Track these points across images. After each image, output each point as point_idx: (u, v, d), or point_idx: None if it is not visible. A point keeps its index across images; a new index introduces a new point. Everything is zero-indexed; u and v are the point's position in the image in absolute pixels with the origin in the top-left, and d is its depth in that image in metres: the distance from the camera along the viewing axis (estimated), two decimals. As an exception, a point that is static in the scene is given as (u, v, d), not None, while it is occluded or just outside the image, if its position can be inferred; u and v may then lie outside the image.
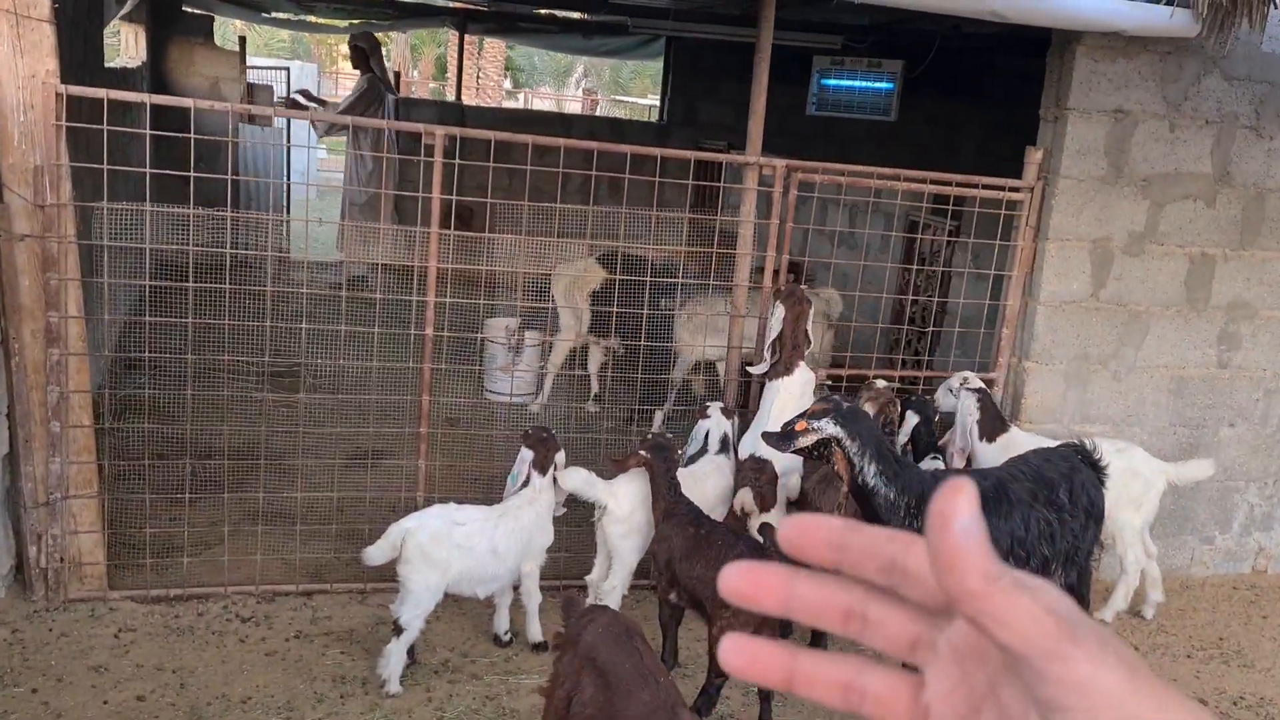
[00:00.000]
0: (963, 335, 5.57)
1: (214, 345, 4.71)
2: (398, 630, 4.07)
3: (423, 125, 4.51)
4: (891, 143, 10.33)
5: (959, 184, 5.15)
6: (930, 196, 5.55)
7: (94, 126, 4.02)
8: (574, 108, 29.40)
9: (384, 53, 10.00)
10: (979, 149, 12.21)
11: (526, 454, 4.32)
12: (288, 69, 14.43)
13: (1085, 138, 5.18)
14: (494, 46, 25.82)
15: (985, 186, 5.20)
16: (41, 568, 4.34)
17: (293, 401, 5.22)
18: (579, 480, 4.31)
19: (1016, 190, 5.26)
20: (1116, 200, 5.29)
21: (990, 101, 11.48)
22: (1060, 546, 3.80)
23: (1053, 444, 4.43)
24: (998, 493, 3.74)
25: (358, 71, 9.97)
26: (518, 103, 29.86)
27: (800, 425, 3.66)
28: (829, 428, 3.67)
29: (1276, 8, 4.68)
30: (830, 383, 5.19)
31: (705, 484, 4.67)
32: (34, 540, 4.30)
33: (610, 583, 4.41)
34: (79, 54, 5.40)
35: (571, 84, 36.08)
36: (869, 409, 5.00)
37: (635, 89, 35.30)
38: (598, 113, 26.82)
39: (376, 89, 9.63)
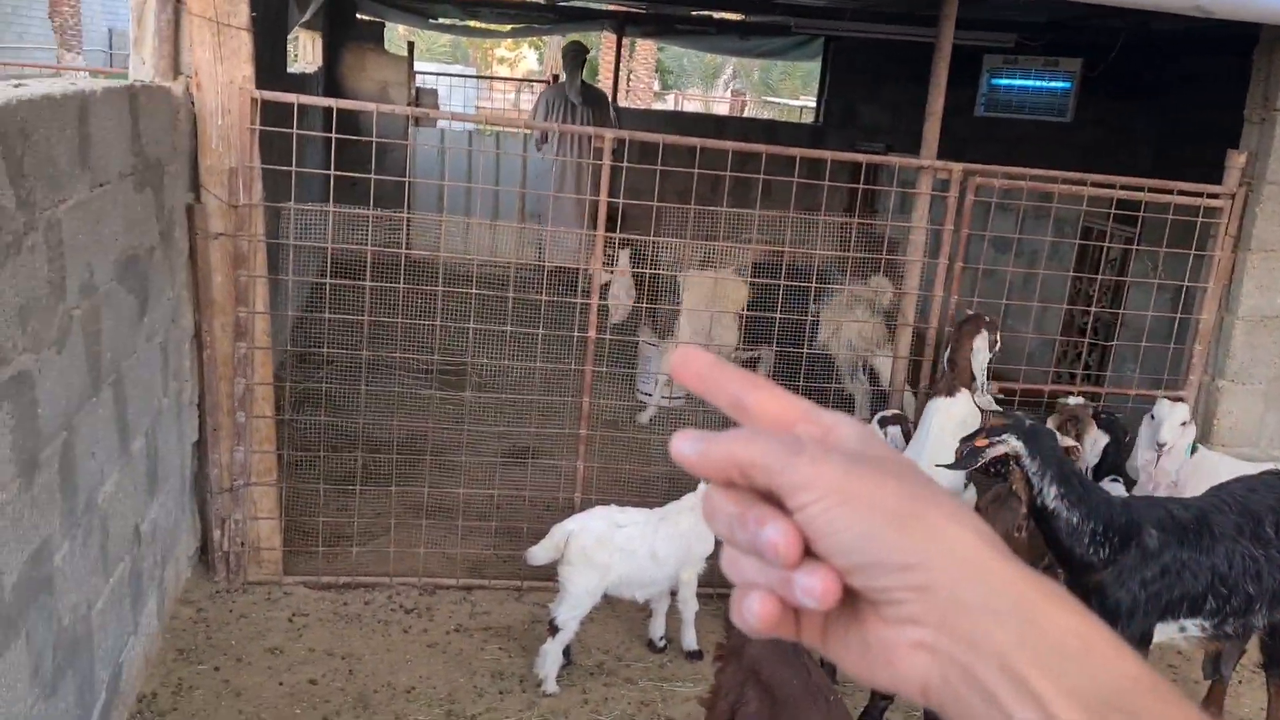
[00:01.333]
0: (1144, 350, 5.24)
1: (386, 342, 4.84)
2: (553, 630, 4.08)
3: (593, 129, 4.51)
4: (1058, 145, 9.86)
5: (1151, 189, 4.84)
6: (1114, 203, 5.25)
7: (284, 130, 4.18)
8: (722, 109, 29.33)
9: (582, 62, 10.19)
10: (1154, 153, 11.58)
11: None
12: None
13: (1295, 140, 4.80)
14: (645, 48, 25.98)
15: (1181, 193, 4.88)
16: (224, 551, 4.54)
17: (458, 399, 5.32)
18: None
19: (1215, 197, 4.91)
20: (1328, 208, 4.88)
21: (1165, 103, 10.86)
22: (1267, 585, 3.50)
23: (1251, 469, 4.10)
24: (1199, 524, 3.48)
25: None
26: (666, 104, 29.97)
27: (980, 441, 3.48)
28: (1011, 442, 3.48)
29: None
30: (1001, 396, 4.95)
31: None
32: (218, 524, 4.50)
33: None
34: (266, 60, 5.64)
35: (720, 85, 36.04)
36: (1051, 423, 4.76)
37: (784, 90, 34.97)
38: (746, 114, 26.68)
39: (558, 96, 9.83)
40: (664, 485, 5.27)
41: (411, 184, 7.44)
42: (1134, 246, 5.15)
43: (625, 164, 4.45)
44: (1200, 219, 4.94)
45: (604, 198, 4.58)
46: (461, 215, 7.58)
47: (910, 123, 12.80)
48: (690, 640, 4.41)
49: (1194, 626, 3.84)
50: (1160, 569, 3.63)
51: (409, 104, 10.31)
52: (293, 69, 8.79)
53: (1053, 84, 8.37)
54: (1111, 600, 3.62)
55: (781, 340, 4.99)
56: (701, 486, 3.76)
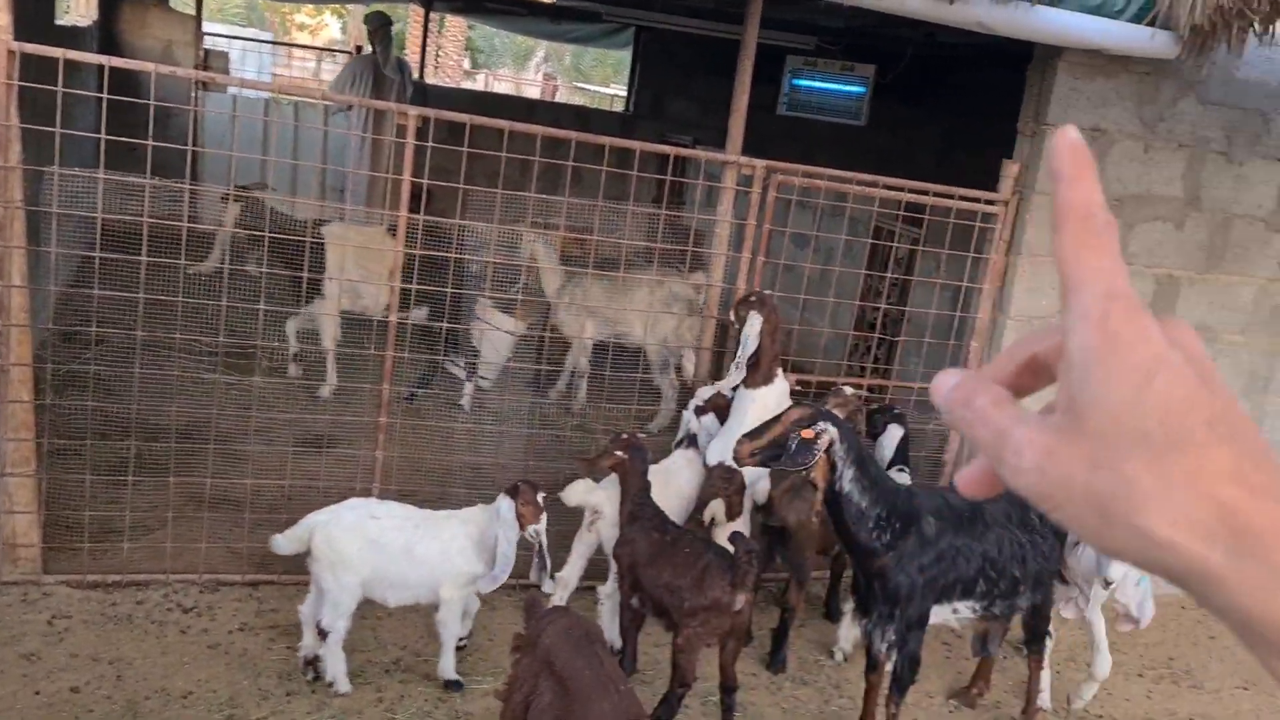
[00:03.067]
0: (928, 346, 5.54)
1: (166, 322, 4.51)
2: (322, 635, 3.89)
3: (395, 105, 4.35)
4: (855, 147, 10.31)
5: (936, 194, 5.11)
6: (903, 205, 5.51)
7: (48, 88, 3.81)
8: (533, 92, 29.09)
9: (390, 33, 9.77)
10: (937, 158, 12.29)
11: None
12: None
13: (1062, 154, 5.17)
14: (455, 25, 25.45)
15: (962, 198, 5.17)
16: (-28, 549, 4.12)
17: (246, 384, 5.03)
18: (580, 492, 4.23)
19: (991, 203, 5.24)
20: (1089, 218, 5.29)
21: (950, 112, 11.54)
22: (1031, 569, 3.77)
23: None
24: (973, 512, 3.71)
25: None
26: (476, 84, 29.47)
27: (807, 433, 3.56)
28: (830, 430, 3.58)
29: (1255, 33, 4.71)
30: (799, 388, 5.12)
31: (677, 479, 4.61)
32: (-35, 520, 4.08)
33: (607, 588, 4.35)
34: (29, 9, 5.14)
35: (531, 68, 35.71)
36: (838, 414, 4.96)
37: (596, 77, 35.03)
38: (557, 98, 26.60)
39: (366, 67, 9.43)
40: (468, 475, 5.18)
41: (198, 153, 6.98)
42: (919, 247, 5.43)
43: (430, 144, 4.31)
44: (978, 224, 5.25)
45: (407, 177, 4.43)
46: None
47: (718, 118, 13.02)
48: (446, 668, 4.06)
49: (965, 608, 4.10)
50: (936, 555, 3.85)
51: (196, 66, 9.67)
52: (63, 21, 8.07)
53: (849, 88, 8.72)
54: (892, 584, 3.81)
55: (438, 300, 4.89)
56: (499, 501, 3.57)
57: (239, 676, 4.01)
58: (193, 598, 4.49)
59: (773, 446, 3.54)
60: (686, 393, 5.04)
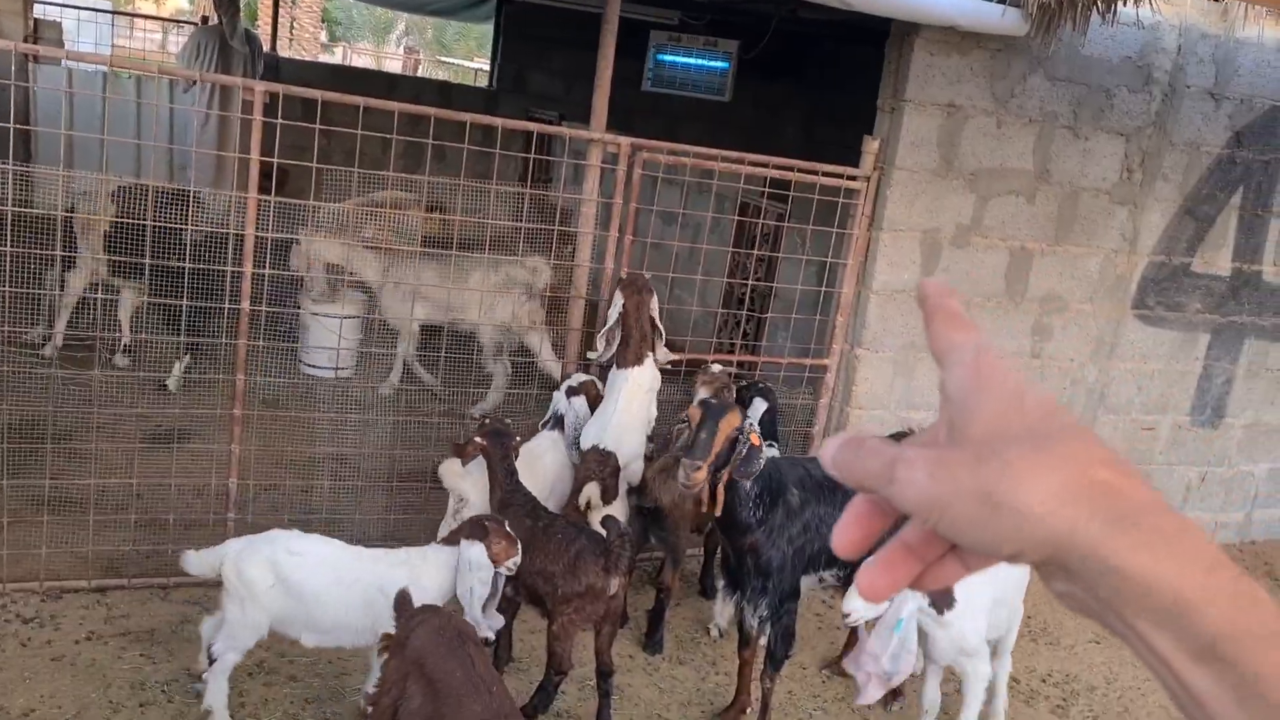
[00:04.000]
0: (794, 321, 5.60)
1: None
2: (210, 659, 3.67)
3: (240, 80, 4.12)
4: (719, 122, 10.37)
5: (800, 169, 5.15)
6: (768, 181, 5.54)
7: None
8: (394, 66, 28.32)
9: (238, 3, 9.27)
10: (802, 133, 12.47)
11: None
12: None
13: (920, 130, 5.28)
14: (311, -4, 24.51)
15: (825, 174, 5.23)
16: None
17: (84, 378, 4.72)
18: (451, 472, 4.10)
19: (853, 179, 5.31)
20: (946, 193, 5.43)
21: (813, 87, 11.72)
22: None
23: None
24: (834, 481, 3.75)
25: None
26: (335, 58, 28.51)
27: (755, 439, 3.56)
28: (751, 425, 3.62)
29: (1099, 11, 4.88)
30: (668, 366, 5.10)
31: (542, 461, 4.53)
32: None
33: None
34: None
35: (392, 41, 34.78)
36: (703, 393, 4.96)
37: (459, 50, 34.34)
38: (420, 73, 25.96)
39: (211, 39, 8.94)
40: (332, 466, 4.99)
41: (31, 133, 6.52)
42: (785, 223, 5.47)
43: (280, 120, 4.10)
44: (841, 200, 5.32)
45: (255, 156, 4.20)
46: (95, 170, 6.75)
47: (582, 93, 12.94)
48: None
49: (830, 576, 4.18)
50: (802, 525, 3.91)
51: (25, 38, 9.01)
52: None
53: (713, 63, 8.73)
54: (764, 559, 3.84)
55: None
56: (466, 548, 3.37)
57: (87, 689, 3.77)
58: (33, 607, 4.20)
59: (719, 459, 3.51)
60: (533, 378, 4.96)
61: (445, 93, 12.11)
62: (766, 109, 11.63)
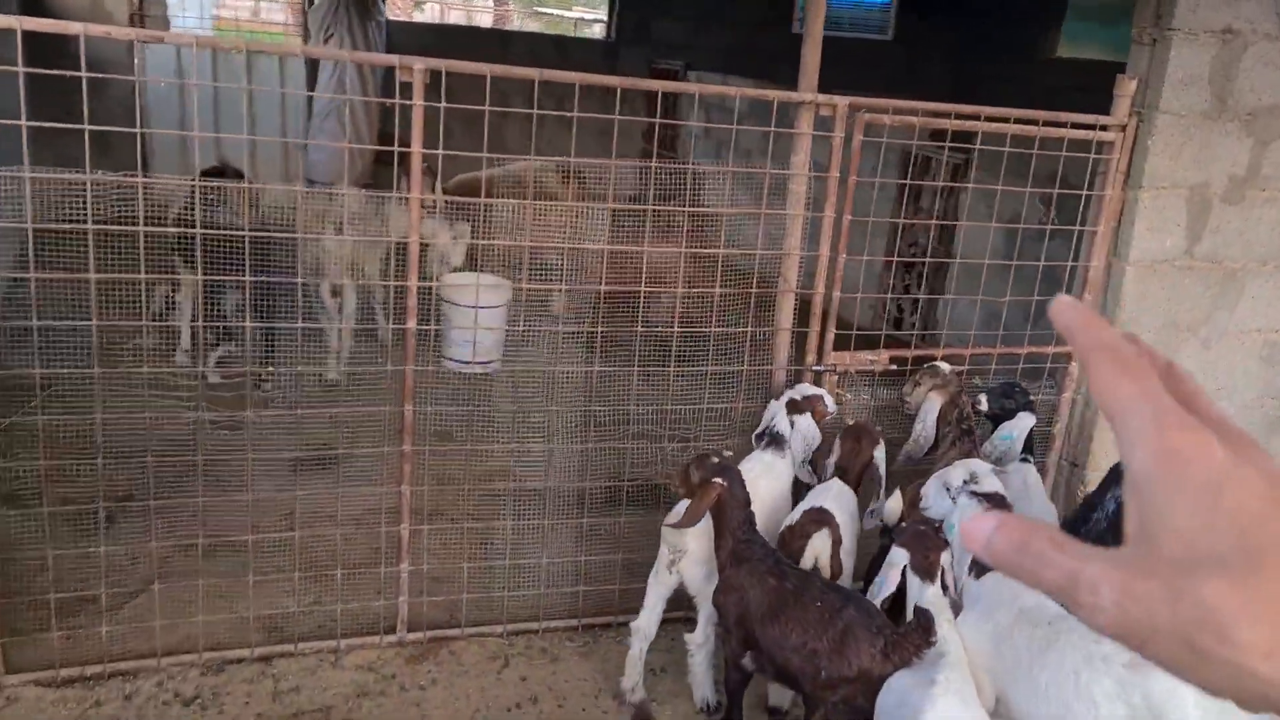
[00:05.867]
0: (1035, 305, 4.72)
1: (124, 350, 3.61)
2: None
3: (397, 57, 3.42)
4: (874, 65, 9.37)
5: (1045, 122, 4.25)
6: (949, 134, 4.65)
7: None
8: (485, 20, 27.58)
9: None
10: (949, 72, 11.39)
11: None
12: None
13: (1189, 64, 4.32)
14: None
15: (1074, 125, 4.32)
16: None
17: (236, 419, 4.15)
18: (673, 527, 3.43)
19: (1105, 129, 4.39)
20: (1218, 139, 4.47)
21: (959, 18, 10.60)
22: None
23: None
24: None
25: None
26: (426, 16, 27.87)
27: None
28: None
29: None
30: (893, 367, 4.30)
31: (755, 490, 3.81)
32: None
33: (698, 638, 3.58)
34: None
35: (480, -6, 34.00)
36: (936, 399, 4.17)
37: (551, 0, 33.41)
38: (511, 26, 25.17)
39: (345, 4, 8.32)
40: (511, 499, 4.35)
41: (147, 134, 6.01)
42: (1027, 188, 4.52)
43: (444, 104, 3.40)
44: (1092, 154, 4.41)
45: (417, 149, 3.52)
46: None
47: (711, 38, 12.12)
48: None
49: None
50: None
51: (131, 18, 8.50)
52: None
53: (871, -2, 7.77)
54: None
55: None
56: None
57: (265, 794, 3.23)
58: (193, 683, 3.67)
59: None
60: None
61: (561, 48, 11.33)
62: (919, 47, 10.57)
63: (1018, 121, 4.20)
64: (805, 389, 3.88)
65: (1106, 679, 2.81)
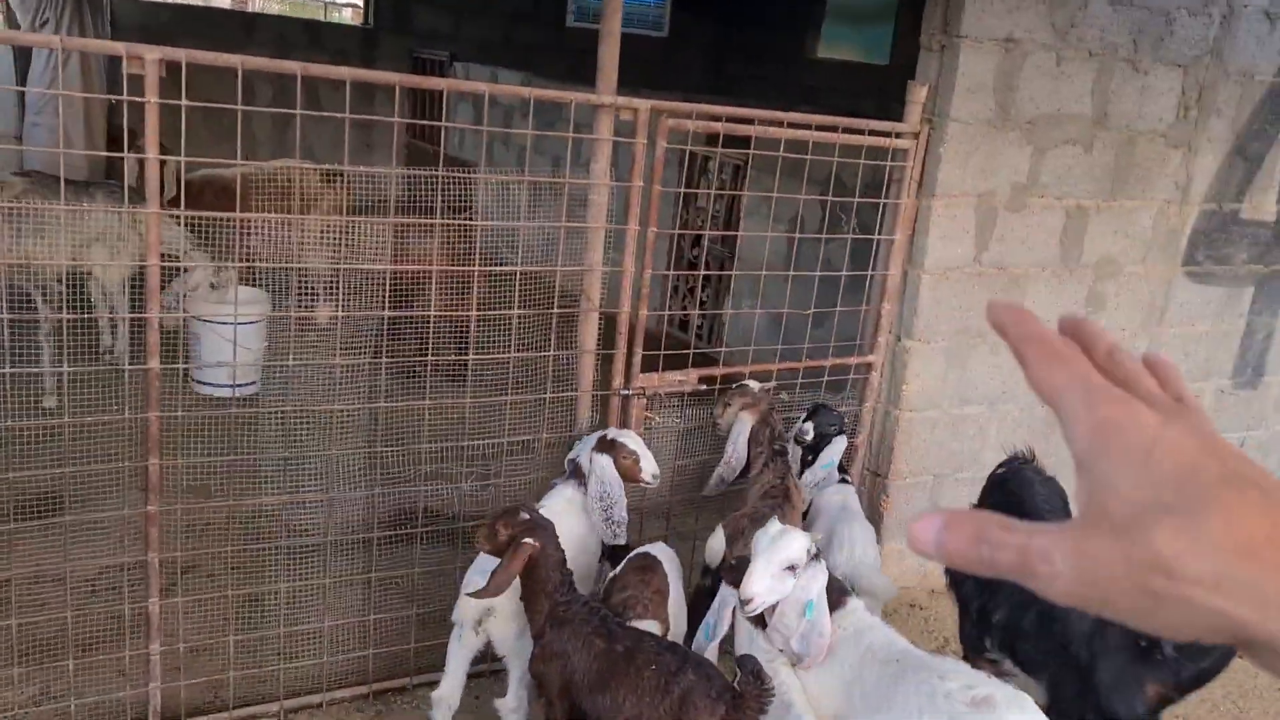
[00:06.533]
0: (838, 315, 4.63)
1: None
2: None
3: (124, 46, 2.83)
4: (652, 63, 9.20)
5: (845, 128, 4.14)
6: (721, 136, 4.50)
7: None
8: (222, 2, 25.64)
9: None
10: (712, 69, 11.43)
11: None
12: None
13: (976, 72, 4.34)
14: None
15: (872, 132, 4.24)
16: None
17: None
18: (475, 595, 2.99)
19: (900, 136, 4.34)
20: (1002, 147, 4.52)
21: (721, 14, 10.65)
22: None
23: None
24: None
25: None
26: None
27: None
28: None
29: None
30: (702, 387, 4.07)
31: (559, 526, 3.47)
32: None
33: (510, 702, 3.18)
34: None
35: (217, -26, 31.63)
36: (747, 419, 3.98)
37: (295, -18, 31.51)
38: (254, 8, 23.55)
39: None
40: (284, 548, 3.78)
41: None
42: (828, 197, 4.38)
43: (184, 101, 2.84)
44: (889, 162, 4.35)
45: (153, 155, 2.94)
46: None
47: (475, 28, 11.62)
48: None
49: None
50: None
51: None
52: None
53: (646, -8, 7.56)
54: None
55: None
56: None
57: None
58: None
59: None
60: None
61: (314, 34, 10.50)
62: (692, 45, 10.49)
63: (818, 128, 4.06)
64: (624, 435, 3.53)
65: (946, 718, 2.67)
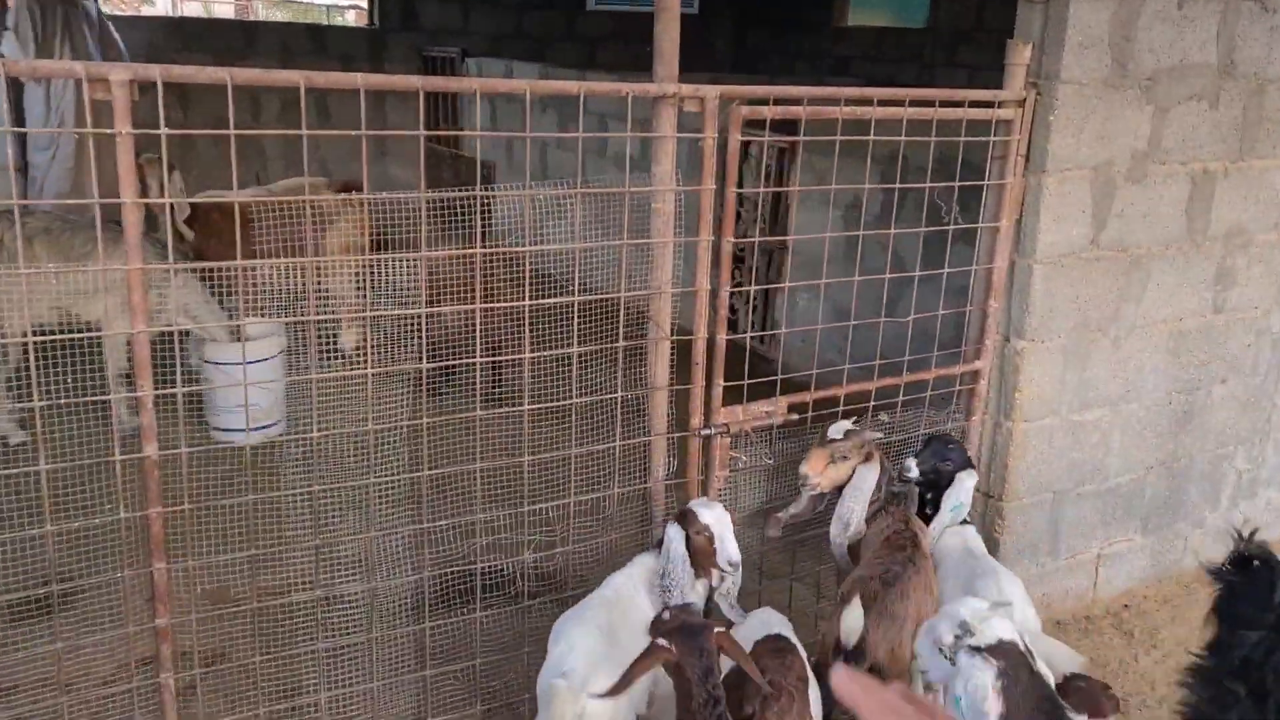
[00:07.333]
0: (940, 319, 4.00)
1: None
2: None
3: (82, 66, 2.27)
4: (686, 42, 8.53)
5: (942, 103, 3.51)
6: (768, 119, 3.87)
7: None
8: (224, 11, 25.14)
9: None
10: (733, 43, 10.79)
11: None
12: None
13: (1088, 24, 3.69)
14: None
15: (973, 104, 3.61)
16: None
17: None
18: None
19: (1002, 105, 3.71)
20: (1120, 109, 3.88)
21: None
22: None
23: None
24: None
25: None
26: (157, 9, 25.13)
27: None
28: None
29: None
30: (794, 417, 3.47)
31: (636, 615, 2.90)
32: None
33: None
34: None
35: (218, -16, 31.13)
36: (868, 473, 3.38)
37: (299, -14, 30.94)
38: (256, 16, 23.07)
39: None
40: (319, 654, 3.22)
41: None
42: (927, 184, 3.73)
43: (166, 131, 2.28)
44: (992, 136, 3.72)
45: (130, 197, 2.38)
46: None
47: (484, 21, 11.01)
48: None
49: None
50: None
51: None
52: None
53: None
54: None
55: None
56: None
57: None
58: None
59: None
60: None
61: (318, 38, 9.93)
62: (700, 20, 9.85)
63: (914, 103, 3.44)
64: (706, 507, 2.92)
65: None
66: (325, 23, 16.91)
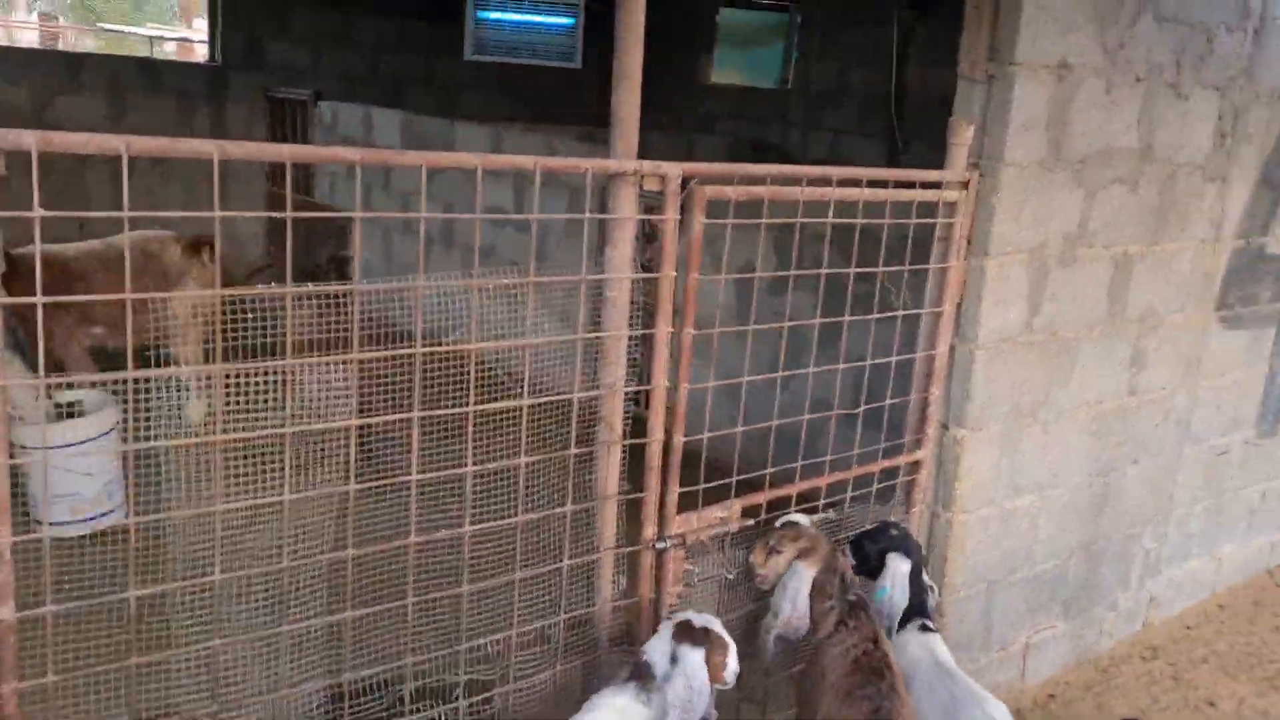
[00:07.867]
0: (887, 408, 3.77)
1: None
2: None
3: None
4: (566, 95, 8.22)
5: (895, 184, 3.31)
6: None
7: None
8: (30, 39, 23.31)
9: None
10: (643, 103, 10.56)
11: None
12: None
13: (1030, 106, 3.59)
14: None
15: (923, 185, 3.42)
16: None
17: None
18: None
19: (948, 186, 3.55)
20: (1054, 192, 3.79)
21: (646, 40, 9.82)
22: None
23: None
24: None
25: None
26: (-48, 33, 23.00)
27: None
28: None
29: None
30: (749, 522, 3.16)
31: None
32: None
33: None
34: None
35: (22, 8, 29.00)
36: (804, 570, 3.10)
37: (113, 15, 29.16)
38: (63, 46, 21.52)
39: None
40: None
41: None
42: (880, 268, 3.50)
43: (36, 213, 1.77)
44: (939, 219, 3.55)
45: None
46: None
47: (338, 63, 10.40)
48: None
49: None
50: None
51: None
52: None
53: (552, 19, 6.62)
54: None
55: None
56: None
57: None
58: None
59: None
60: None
61: (151, 74, 9.11)
62: (579, 76, 9.58)
63: (870, 184, 3.21)
64: (712, 623, 2.59)
65: None
66: (149, 54, 15.81)
